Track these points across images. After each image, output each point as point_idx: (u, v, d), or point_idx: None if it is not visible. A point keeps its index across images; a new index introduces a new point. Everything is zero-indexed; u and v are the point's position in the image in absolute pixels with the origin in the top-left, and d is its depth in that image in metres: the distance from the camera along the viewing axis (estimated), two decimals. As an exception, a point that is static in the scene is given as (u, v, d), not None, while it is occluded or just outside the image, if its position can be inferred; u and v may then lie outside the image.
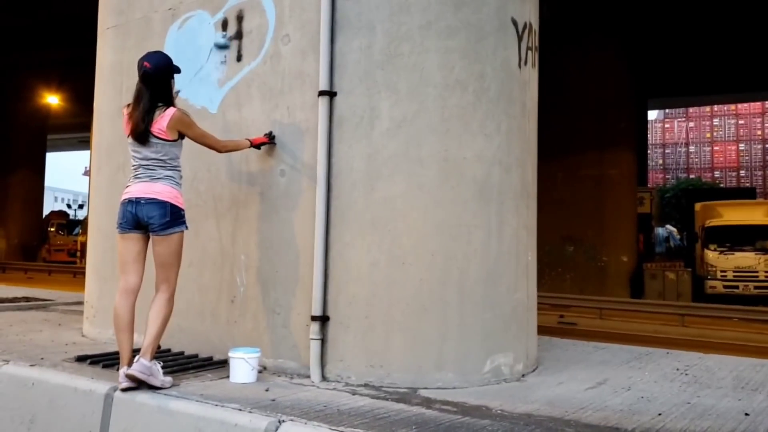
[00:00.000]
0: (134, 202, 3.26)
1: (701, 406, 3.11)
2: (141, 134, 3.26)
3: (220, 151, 3.69)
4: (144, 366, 3.08)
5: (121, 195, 3.34)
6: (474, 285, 3.51)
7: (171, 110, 3.30)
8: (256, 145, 3.74)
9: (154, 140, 3.26)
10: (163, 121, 3.26)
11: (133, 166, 3.36)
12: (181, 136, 3.36)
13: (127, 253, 3.33)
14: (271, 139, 3.76)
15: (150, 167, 3.29)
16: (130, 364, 3.15)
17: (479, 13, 3.59)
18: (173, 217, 3.27)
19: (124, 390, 3.08)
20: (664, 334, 9.88)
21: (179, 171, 3.39)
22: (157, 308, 3.26)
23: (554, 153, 14.71)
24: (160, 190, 3.26)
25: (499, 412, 2.92)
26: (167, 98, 3.36)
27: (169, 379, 3.21)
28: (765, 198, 35.87)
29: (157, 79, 3.31)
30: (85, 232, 21.77)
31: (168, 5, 4.43)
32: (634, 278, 16.34)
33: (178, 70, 3.43)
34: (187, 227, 3.38)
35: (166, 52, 4.24)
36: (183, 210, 3.35)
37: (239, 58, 4.00)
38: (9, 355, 3.82)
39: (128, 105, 3.38)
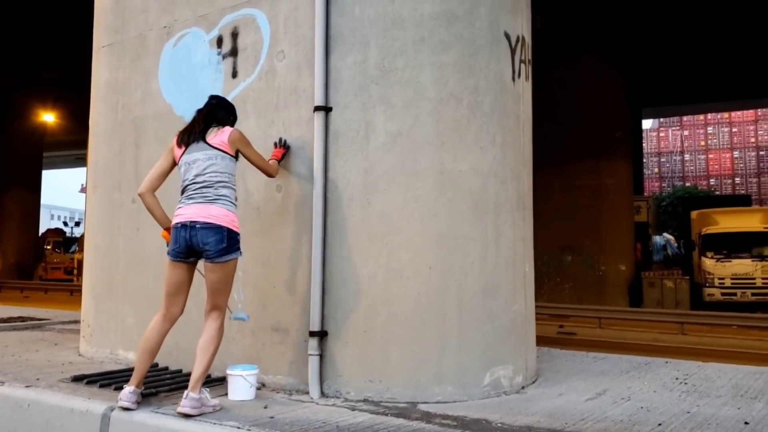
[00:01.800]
0: (189, 226, 3.06)
1: (701, 416, 3.10)
2: (188, 137, 3.20)
3: (272, 176, 3.51)
4: (194, 400, 2.96)
5: (173, 218, 3.20)
6: (472, 297, 3.51)
7: (229, 128, 3.29)
8: (279, 160, 3.66)
9: (214, 152, 3.17)
10: (223, 135, 3.22)
11: (185, 185, 3.19)
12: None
13: (174, 282, 3.17)
14: (285, 147, 3.69)
15: (206, 185, 3.13)
16: (139, 384, 3.13)
17: (472, 27, 3.62)
18: (230, 242, 3.10)
19: (124, 409, 3.05)
20: (663, 342, 9.86)
21: (235, 191, 3.26)
22: (209, 337, 3.11)
23: (551, 163, 14.80)
24: (217, 213, 3.09)
25: (499, 425, 2.91)
26: (222, 123, 3.34)
27: (217, 401, 3.12)
28: (760, 205, 36.00)
29: (218, 105, 3.36)
30: (81, 250, 21.75)
31: (163, 23, 4.46)
32: (633, 287, 16.34)
33: (234, 121, 3.48)
34: (241, 253, 3.22)
35: (161, 69, 4.29)
36: (239, 234, 3.19)
37: (234, 75, 4.02)
38: (4, 376, 3.79)
39: (179, 132, 3.33)
